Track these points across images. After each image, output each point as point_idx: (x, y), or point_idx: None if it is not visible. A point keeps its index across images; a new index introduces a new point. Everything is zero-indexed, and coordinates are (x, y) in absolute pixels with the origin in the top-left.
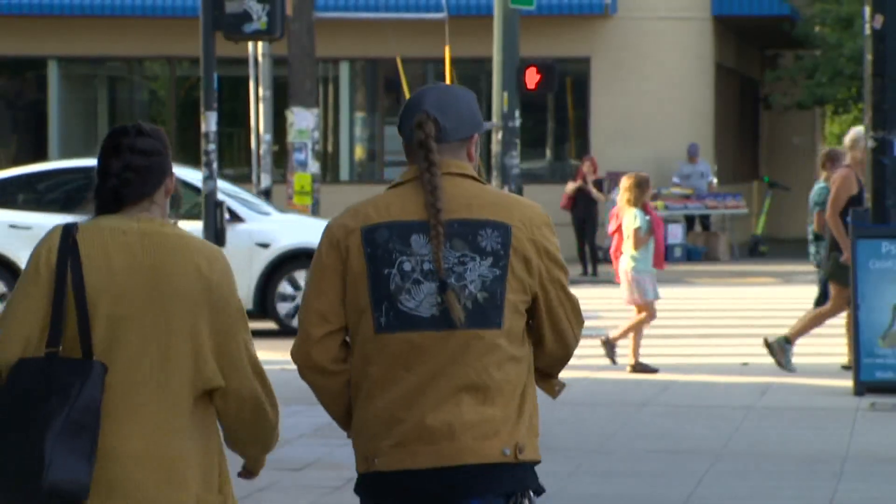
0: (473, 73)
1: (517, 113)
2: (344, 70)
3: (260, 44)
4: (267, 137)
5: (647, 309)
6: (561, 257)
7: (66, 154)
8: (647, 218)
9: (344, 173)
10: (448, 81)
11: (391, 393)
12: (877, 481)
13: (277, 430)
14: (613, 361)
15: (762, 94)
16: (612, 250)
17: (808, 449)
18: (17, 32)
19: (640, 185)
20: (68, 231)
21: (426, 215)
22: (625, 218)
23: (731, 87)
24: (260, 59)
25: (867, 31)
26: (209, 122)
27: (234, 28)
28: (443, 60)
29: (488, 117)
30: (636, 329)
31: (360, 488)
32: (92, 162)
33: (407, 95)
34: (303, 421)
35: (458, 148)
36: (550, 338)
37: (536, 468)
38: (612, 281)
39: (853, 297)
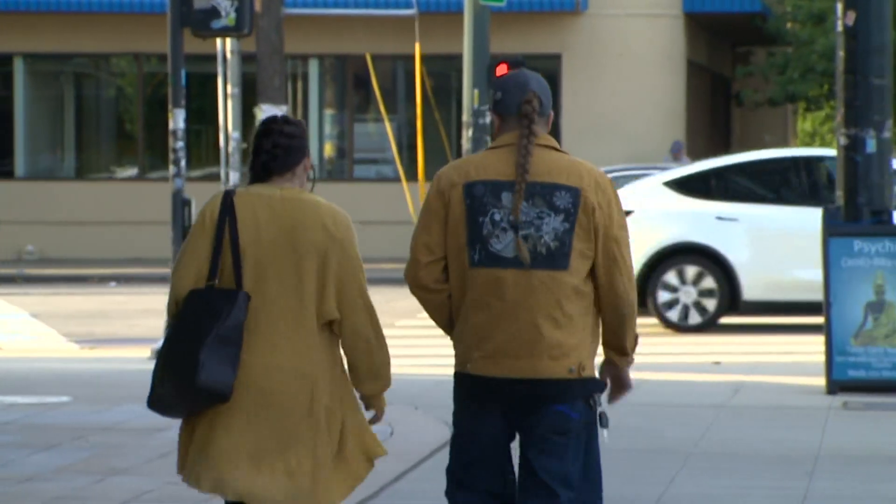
0: (444, 69)
1: (488, 110)
2: (313, 67)
3: (228, 40)
4: (235, 135)
5: None
6: (621, 216)
7: (31, 152)
8: None
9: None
10: (417, 79)
11: (483, 314)
12: (849, 480)
13: (389, 369)
14: None
15: (734, 91)
16: None
17: (781, 448)
18: None
19: None
20: (228, 195)
21: (515, 176)
22: None
23: (702, 84)
24: (228, 55)
25: (839, 27)
26: (177, 120)
27: (202, 24)
28: (413, 57)
29: (459, 115)
30: None
31: (456, 384)
32: (799, 152)
33: (377, 92)
34: None
35: (545, 123)
36: (605, 284)
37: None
38: None
39: (825, 295)
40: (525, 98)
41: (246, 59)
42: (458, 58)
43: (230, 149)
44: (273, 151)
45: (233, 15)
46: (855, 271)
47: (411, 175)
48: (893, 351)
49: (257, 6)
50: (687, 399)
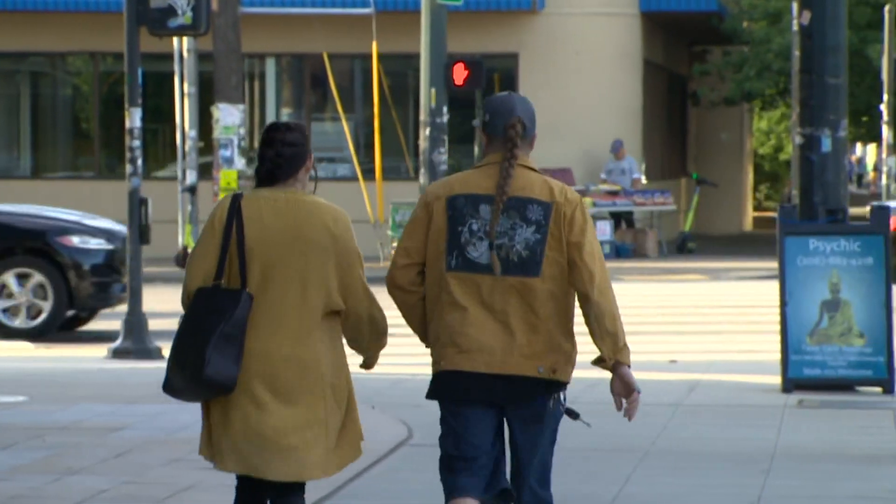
0: (401, 68)
1: (445, 109)
2: (270, 66)
3: (185, 39)
4: (192, 134)
5: None
6: (587, 228)
7: None
8: None
9: None
10: (375, 78)
11: (457, 313)
12: (804, 478)
13: (387, 335)
14: None
15: (690, 90)
16: None
17: (737, 446)
18: None
19: None
20: (236, 199)
21: (493, 191)
22: None
23: (659, 84)
24: (185, 54)
25: (795, 27)
26: (133, 119)
27: (158, 23)
28: (370, 56)
29: (416, 114)
30: None
31: (431, 387)
32: None
33: (334, 91)
34: None
35: (528, 144)
36: (574, 288)
37: None
38: None
39: (781, 293)
40: (510, 123)
41: (203, 57)
42: (415, 57)
43: (187, 147)
44: (276, 160)
45: (189, 14)
46: (810, 270)
47: (369, 174)
48: (848, 349)
49: (214, 5)
50: (643, 397)
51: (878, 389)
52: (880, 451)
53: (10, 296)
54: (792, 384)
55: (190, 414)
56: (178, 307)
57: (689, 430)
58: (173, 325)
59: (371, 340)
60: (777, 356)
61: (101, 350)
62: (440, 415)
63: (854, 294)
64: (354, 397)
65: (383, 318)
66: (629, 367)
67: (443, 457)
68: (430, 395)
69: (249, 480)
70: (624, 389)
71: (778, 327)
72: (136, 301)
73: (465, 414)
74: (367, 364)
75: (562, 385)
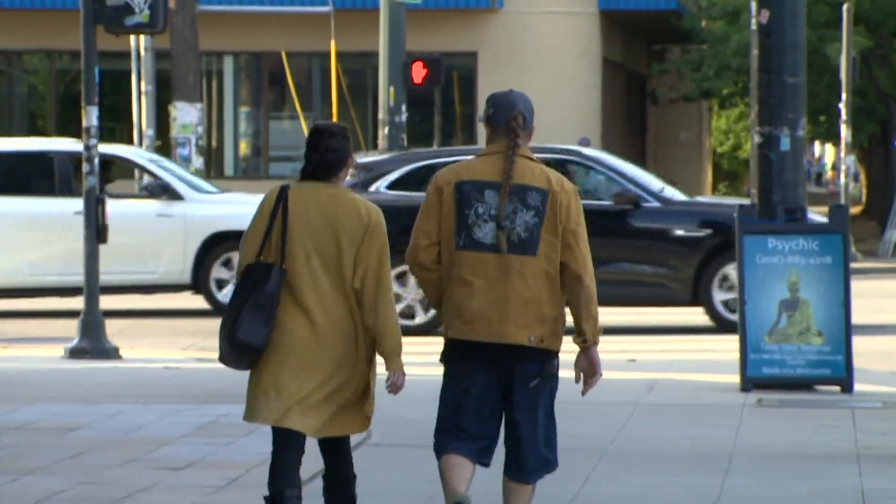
0: (359, 67)
1: (404, 107)
2: (228, 64)
3: (142, 37)
4: (150, 132)
5: None
6: (579, 214)
7: None
8: None
9: (229, 168)
10: (333, 77)
11: (464, 289)
12: (763, 477)
13: (398, 332)
14: None
15: (649, 89)
16: None
17: (696, 445)
18: None
19: None
20: (284, 189)
21: (498, 178)
22: None
23: (618, 82)
24: (142, 52)
25: (754, 25)
26: (90, 117)
27: (115, 21)
28: (329, 55)
29: (375, 112)
30: None
31: (444, 350)
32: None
33: (292, 90)
34: (185, 420)
35: (527, 135)
36: (564, 267)
37: (435, 462)
38: None
39: (739, 293)
40: (512, 115)
41: (160, 56)
42: (374, 55)
43: (144, 146)
44: (321, 165)
45: (146, 12)
46: (769, 269)
47: None
48: (807, 348)
49: (171, 3)
50: (601, 397)
51: (837, 388)
52: (839, 450)
53: (731, 287)
54: (751, 383)
55: (148, 414)
56: (135, 306)
57: (647, 429)
58: (130, 325)
59: (383, 328)
60: (736, 355)
61: (57, 350)
62: (444, 373)
63: (813, 293)
64: (375, 369)
65: (391, 310)
66: (597, 346)
67: (440, 416)
68: (441, 357)
69: (283, 433)
70: (590, 369)
71: (737, 326)
72: (92, 301)
73: (467, 374)
74: (392, 380)
75: (552, 353)
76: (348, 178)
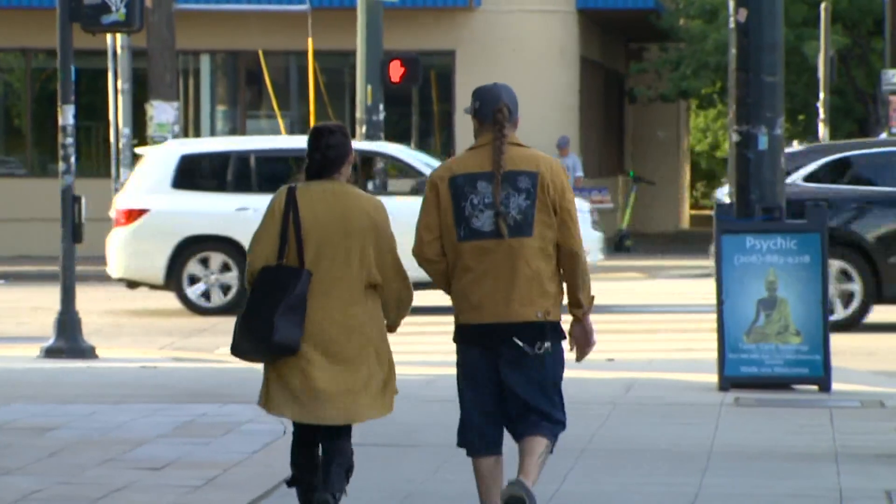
0: (337, 66)
1: (381, 106)
2: (205, 63)
3: (119, 36)
4: (126, 131)
5: None
6: (570, 192)
7: None
8: None
9: None
10: (310, 75)
11: (469, 276)
12: (741, 476)
13: (410, 307)
14: None
15: (627, 88)
16: None
17: (674, 444)
18: None
19: None
20: (292, 190)
21: (489, 168)
22: None
23: (596, 81)
24: (119, 51)
25: (732, 24)
26: (66, 116)
27: (91, 19)
28: (306, 53)
29: (353, 111)
30: None
31: (455, 335)
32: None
33: (269, 88)
34: (162, 419)
35: (513, 125)
36: (560, 243)
37: (414, 461)
38: None
39: (718, 292)
40: (497, 108)
41: (137, 54)
42: (351, 54)
43: (121, 145)
44: (322, 162)
45: (123, 10)
46: (747, 268)
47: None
48: (785, 347)
49: (148, 1)
50: (580, 396)
51: (815, 388)
52: (817, 449)
53: None
54: (729, 382)
55: (125, 414)
56: (112, 306)
57: (626, 428)
58: (107, 323)
59: (397, 311)
60: (714, 354)
61: (33, 349)
62: (457, 361)
63: (791, 292)
64: (393, 360)
65: (410, 294)
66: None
67: (464, 413)
68: (455, 339)
69: (305, 426)
70: (584, 338)
71: (715, 326)
72: (68, 300)
73: (478, 355)
74: (391, 328)
75: (555, 324)
76: None
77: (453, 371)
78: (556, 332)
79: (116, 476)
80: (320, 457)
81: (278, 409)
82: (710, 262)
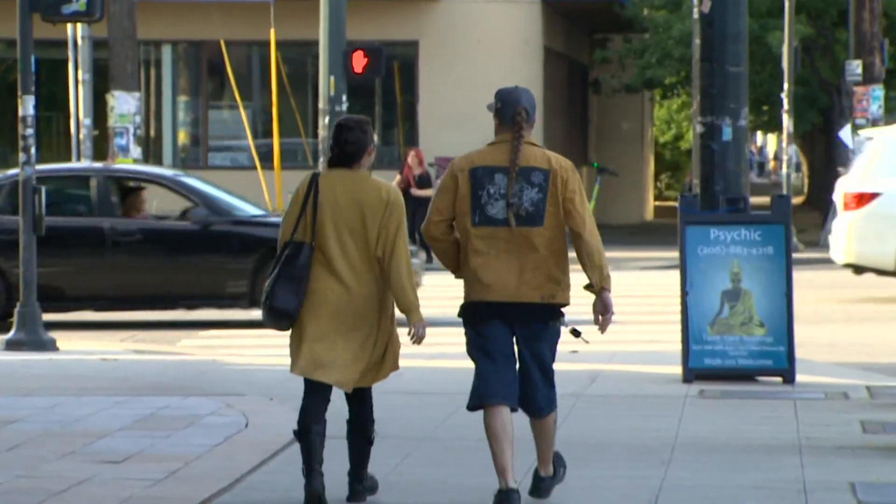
0: (299, 56)
1: (344, 97)
2: (166, 53)
3: (79, 25)
4: (87, 122)
5: None
6: (578, 186)
7: None
8: None
9: (167, 158)
10: (273, 66)
11: (480, 258)
12: (705, 468)
13: (414, 291)
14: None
15: (591, 78)
16: None
17: (638, 437)
18: None
19: None
20: (315, 175)
21: (506, 163)
22: None
23: (559, 72)
24: (79, 41)
25: (696, 14)
26: (26, 106)
27: (52, 9)
28: (268, 43)
29: (315, 102)
30: None
31: (462, 313)
32: None
33: (231, 79)
34: (123, 412)
35: (530, 126)
36: (571, 231)
37: (377, 453)
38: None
39: (682, 283)
40: (517, 110)
41: (98, 44)
42: (314, 44)
43: (82, 136)
44: (341, 155)
45: (84, 0)
46: (711, 259)
47: (267, 162)
48: (749, 339)
49: None
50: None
51: (779, 379)
52: (781, 441)
53: None
54: (693, 374)
55: (86, 407)
56: None
57: (589, 421)
58: (67, 316)
59: (398, 289)
60: (678, 346)
61: None
62: (466, 335)
63: (755, 283)
64: (396, 332)
65: (410, 278)
66: (609, 291)
67: (476, 365)
68: (461, 314)
69: (314, 383)
70: (604, 308)
71: (679, 317)
72: (29, 292)
73: (488, 330)
74: (404, 307)
75: (560, 307)
76: None
77: (421, 364)
78: (555, 315)
79: (77, 469)
80: (346, 424)
81: (292, 366)
82: (675, 254)
